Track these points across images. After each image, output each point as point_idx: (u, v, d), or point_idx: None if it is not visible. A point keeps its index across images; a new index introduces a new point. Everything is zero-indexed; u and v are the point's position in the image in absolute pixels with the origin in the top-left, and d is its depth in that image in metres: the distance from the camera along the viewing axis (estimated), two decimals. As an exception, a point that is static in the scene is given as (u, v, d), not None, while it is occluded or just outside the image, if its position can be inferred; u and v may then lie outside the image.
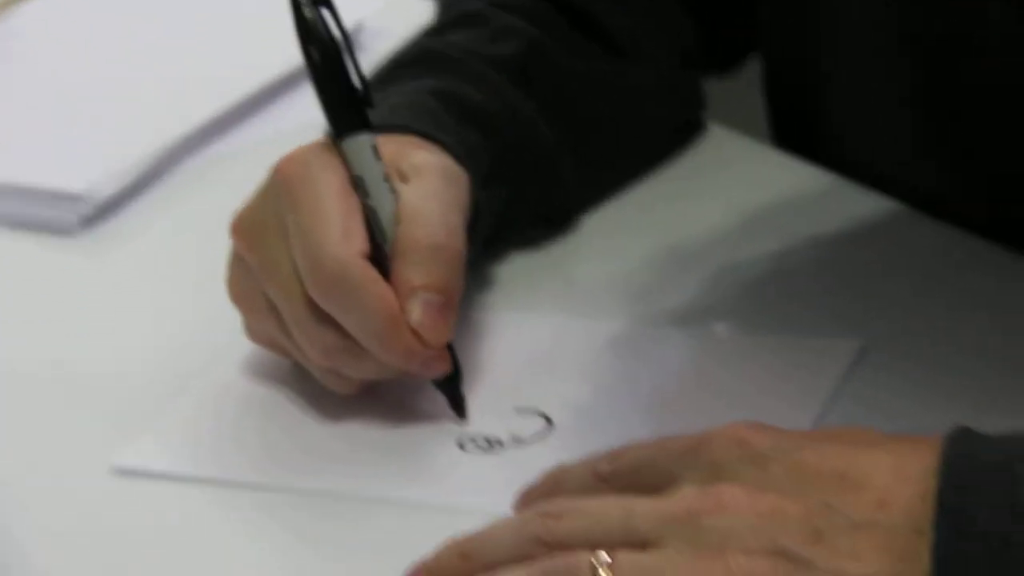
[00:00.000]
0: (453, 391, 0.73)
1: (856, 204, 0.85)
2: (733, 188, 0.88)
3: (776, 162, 0.90)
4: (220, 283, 0.77)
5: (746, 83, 0.97)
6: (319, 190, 0.72)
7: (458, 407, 0.73)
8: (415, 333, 0.71)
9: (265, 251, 0.73)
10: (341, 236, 0.71)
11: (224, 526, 0.69)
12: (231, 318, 0.77)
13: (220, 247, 0.77)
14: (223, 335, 0.78)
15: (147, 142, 0.94)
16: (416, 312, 0.71)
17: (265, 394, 0.76)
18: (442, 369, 0.72)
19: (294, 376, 0.76)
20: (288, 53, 1.04)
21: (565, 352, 0.78)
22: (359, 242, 0.71)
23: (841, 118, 0.90)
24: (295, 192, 0.72)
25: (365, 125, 0.72)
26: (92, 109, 1.00)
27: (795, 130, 0.94)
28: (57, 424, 0.75)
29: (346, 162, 0.72)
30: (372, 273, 0.70)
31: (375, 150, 0.72)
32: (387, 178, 0.72)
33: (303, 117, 0.93)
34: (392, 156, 0.74)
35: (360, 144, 0.72)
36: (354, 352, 0.71)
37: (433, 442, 0.72)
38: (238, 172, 0.91)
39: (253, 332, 0.76)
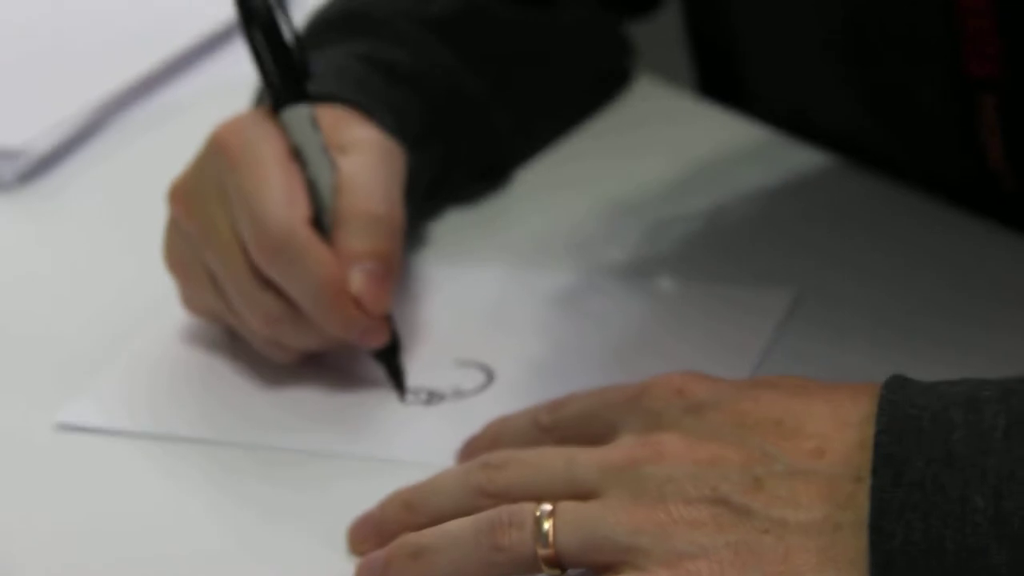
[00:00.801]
0: (391, 363, 0.73)
1: (785, 155, 0.86)
2: (665, 142, 0.89)
3: (705, 115, 0.91)
4: (158, 237, 0.77)
5: (674, 32, 0.97)
6: (261, 157, 0.72)
7: (397, 379, 0.73)
8: (356, 302, 0.71)
9: (205, 218, 0.73)
10: (285, 202, 0.71)
11: (166, 480, 0.69)
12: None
13: (157, 202, 0.77)
14: (162, 289, 0.78)
15: (83, 97, 0.95)
16: (357, 280, 0.71)
17: (205, 350, 0.76)
18: (381, 340, 0.72)
19: (234, 333, 0.76)
20: (224, 6, 1.04)
21: (506, 306, 0.78)
22: (303, 208, 0.71)
23: (763, 64, 0.91)
24: (236, 159, 0.72)
25: (304, 96, 0.73)
26: (28, 65, 1.00)
27: (719, 77, 0.95)
28: None
29: (286, 132, 0.73)
30: (316, 239, 0.71)
31: (313, 121, 0.72)
32: (325, 149, 0.72)
33: (240, 71, 0.93)
34: (328, 128, 0.74)
35: (299, 115, 0.72)
36: (295, 320, 0.72)
37: (374, 397, 0.72)
38: (175, 126, 0.95)
39: (190, 302, 0.76)
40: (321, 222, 0.72)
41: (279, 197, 0.71)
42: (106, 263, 0.84)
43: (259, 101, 0.81)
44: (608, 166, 0.88)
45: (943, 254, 0.77)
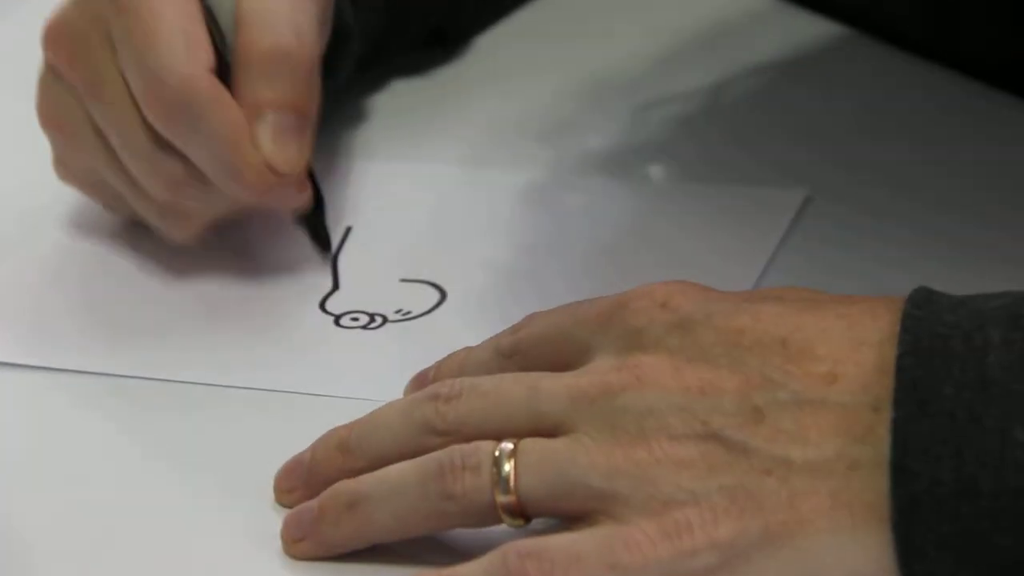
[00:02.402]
0: (315, 224, 0.73)
1: (796, 26, 0.85)
2: (652, 8, 0.87)
3: None
4: (28, 107, 0.76)
5: None
6: None
7: (322, 241, 0.73)
8: (265, 158, 0.70)
9: (89, 65, 0.71)
10: (184, 48, 0.69)
11: (58, 423, 0.69)
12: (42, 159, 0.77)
13: (30, 56, 0.76)
14: (55, 193, 0.78)
15: None
16: (265, 133, 0.70)
17: (91, 263, 0.76)
18: (300, 201, 0.72)
19: (125, 238, 0.76)
20: None
21: (464, 209, 0.77)
22: (204, 54, 0.70)
23: None
24: None
25: None
26: None
27: None
28: None
29: None
30: (221, 91, 0.70)
31: None
32: None
33: None
34: None
35: None
36: (200, 183, 0.71)
37: (305, 318, 0.72)
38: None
39: (68, 167, 0.75)
40: (223, 62, 0.71)
41: (176, 42, 0.70)
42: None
43: None
44: (588, 35, 0.87)
45: (979, 145, 0.76)
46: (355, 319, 0.71)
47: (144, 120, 0.70)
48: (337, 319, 0.71)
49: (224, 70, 0.70)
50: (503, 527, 0.58)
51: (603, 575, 0.56)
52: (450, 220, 0.77)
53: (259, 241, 0.74)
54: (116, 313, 0.73)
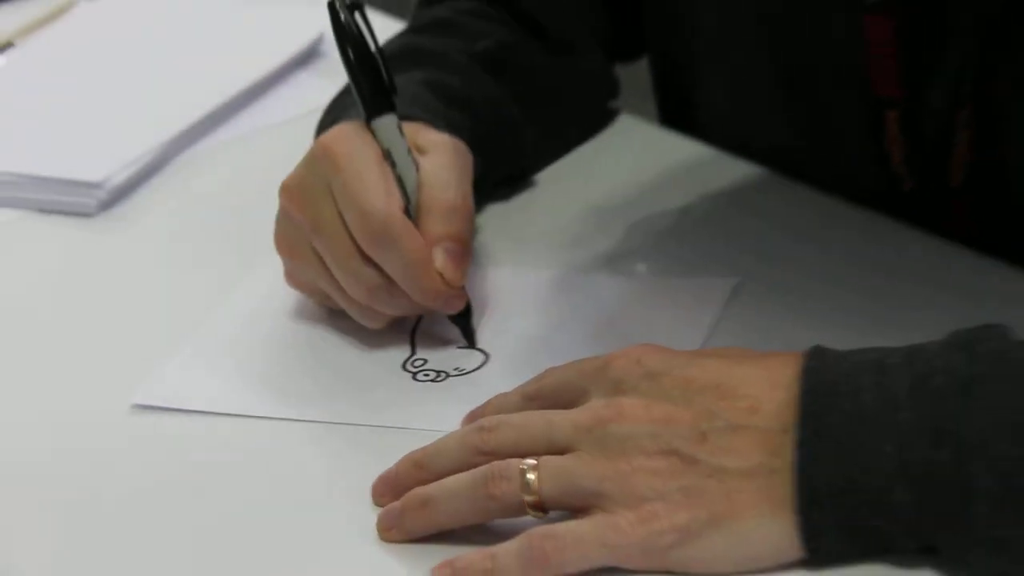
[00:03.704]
0: (466, 324, 0.75)
1: (731, 171, 0.86)
2: (638, 161, 0.89)
3: (668, 140, 0.91)
4: (220, 251, 0.79)
5: (644, 84, 0.99)
6: (361, 160, 0.73)
7: (469, 337, 0.75)
8: (439, 276, 0.72)
9: (314, 209, 0.73)
10: (384, 195, 0.72)
11: (221, 451, 0.70)
12: (228, 278, 0.79)
13: (216, 223, 0.79)
14: (216, 295, 0.79)
15: (152, 135, 0.94)
16: (440, 258, 0.72)
17: (257, 340, 0.77)
18: (459, 306, 0.74)
19: (283, 326, 0.77)
20: (269, 56, 1.05)
21: (504, 298, 0.78)
22: (397, 200, 0.72)
23: (714, 102, 0.91)
24: (340, 162, 0.73)
25: (391, 107, 0.74)
26: (107, 109, 0.99)
27: (679, 114, 0.95)
28: (82, 369, 0.76)
29: (377, 139, 0.74)
30: (409, 225, 0.72)
31: (400, 128, 0.74)
32: (410, 151, 0.74)
33: (283, 113, 0.94)
34: (410, 134, 0.75)
35: (388, 123, 0.74)
36: (391, 291, 0.73)
37: (393, 376, 0.73)
38: (231, 160, 0.93)
39: (294, 278, 0.77)
40: (408, 210, 0.73)
41: (379, 192, 0.72)
42: (170, 274, 0.84)
43: (327, 123, 0.82)
44: (593, 180, 0.89)
45: (855, 248, 0.78)
46: (427, 375, 0.73)
47: (354, 246, 0.72)
48: (414, 375, 0.73)
49: (408, 216, 0.73)
50: (528, 518, 0.60)
51: (597, 550, 0.58)
52: (495, 305, 0.78)
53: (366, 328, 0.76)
54: (266, 372, 0.75)
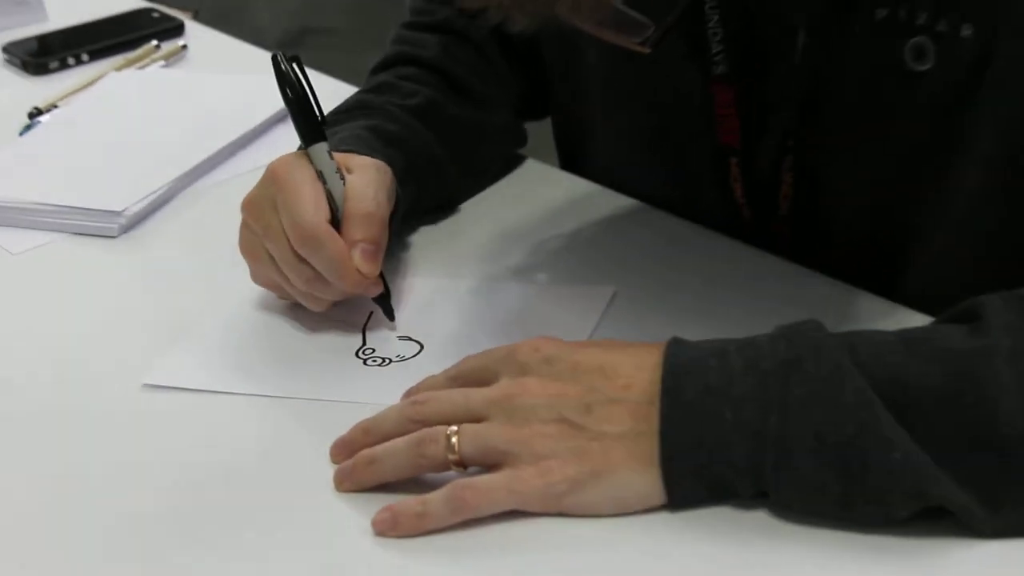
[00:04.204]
0: (386, 304, 0.75)
1: (612, 204, 0.86)
2: (540, 196, 0.89)
3: (564, 180, 0.91)
4: (216, 266, 0.78)
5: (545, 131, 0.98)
6: (297, 179, 0.73)
7: (389, 314, 0.75)
8: (357, 269, 0.72)
9: (264, 220, 0.74)
10: (313, 209, 0.72)
11: (212, 418, 0.69)
12: (222, 286, 0.79)
13: (216, 243, 0.78)
14: (216, 299, 0.79)
15: (163, 174, 0.93)
16: (357, 256, 0.72)
17: (244, 333, 0.76)
18: (375, 291, 0.74)
19: (259, 323, 0.76)
20: (254, 114, 1.05)
21: (435, 301, 0.78)
22: (324, 212, 0.72)
23: (597, 147, 0.91)
24: (282, 183, 0.73)
25: (322, 137, 0.73)
26: (128, 153, 0.97)
27: (572, 157, 0.95)
28: (104, 357, 0.75)
29: (312, 163, 0.73)
30: (332, 232, 0.72)
31: (329, 153, 0.74)
32: (338, 171, 0.74)
33: (264, 159, 0.91)
34: (342, 160, 0.75)
35: (319, 149, 0.73)
36: (323, 282, 0.73)
37: (348, 361, 0.72)
38: (224, 194, 0.92)
39: (257, 276, 0.77)
40: (335, 218, 0.73)
41: (308, 206, 0.72)
42: (176, 284, 0.83)
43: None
44: (503, 209, 0.88)
45: (706, 263, 0.78)
46: (374, 361, 0.72)
47: (292, 248, 0.72)
48: (364, 361, 0.73)
49: (335, 222, 0.72)
50: (452, 472, 0.61)
51: (506, 497, 0.59)
52: (429, 307, 0.77)
53: (329, 318, 0.75)
54: (256, 357, 0.74)
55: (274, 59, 0.73)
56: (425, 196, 0.84)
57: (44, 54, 1.10)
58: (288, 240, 0.72)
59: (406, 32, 0.92)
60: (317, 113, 0.74)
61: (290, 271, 0.73)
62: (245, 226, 0.76)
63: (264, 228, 0.74)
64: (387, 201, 0.76)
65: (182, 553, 0.59)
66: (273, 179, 0.74)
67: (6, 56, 1.11)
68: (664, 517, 0.58)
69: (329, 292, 0.74)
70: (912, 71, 0.67)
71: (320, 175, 0.73)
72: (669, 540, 0.57)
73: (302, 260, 0.72)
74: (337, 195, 0.73)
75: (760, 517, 0.58)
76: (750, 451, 0.56)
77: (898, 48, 0.67)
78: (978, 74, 0.65)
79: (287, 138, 0.84)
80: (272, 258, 0.74)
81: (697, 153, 0.79)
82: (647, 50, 0.61)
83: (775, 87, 0.74)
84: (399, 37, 0.92)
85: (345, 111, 0.85)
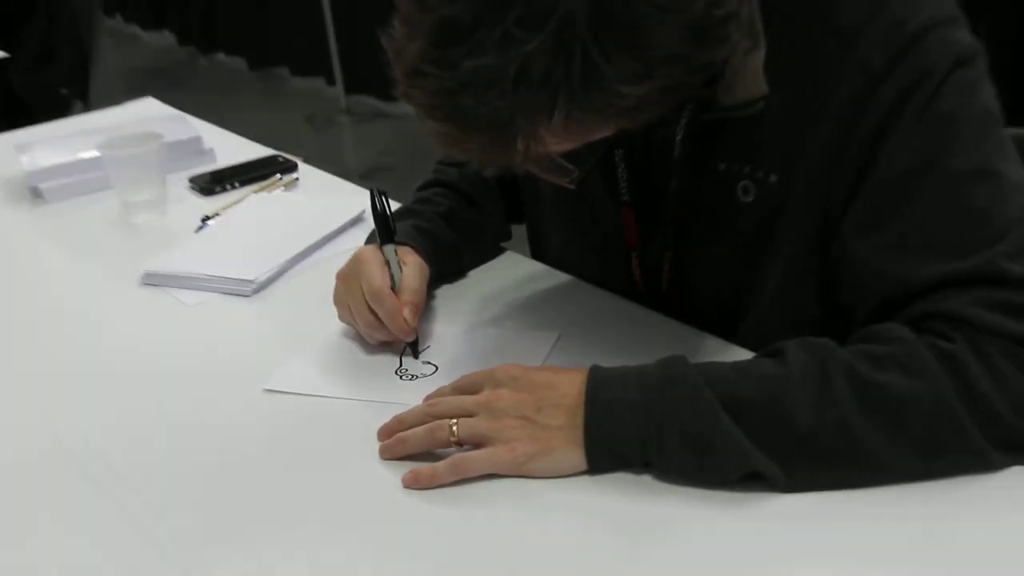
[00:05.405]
0: (414, 346, 0.73)
1: (558, 280, 0.82)
2: (513, 274, 0.84)
3: (530, 265, 0.86)
4: (312, 315, 0.76)
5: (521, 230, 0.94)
6: (373, 263, 0.73)
7: (415, 352, 0.73)
8: (404, 319, 0.71)
9: (350, 284, 0.74)
10: (380, 281, 0.72)
11: (314, 413, 0.67)
12: (322, 325, 0.76)
13: (311, 300, 0.77)
14: (317, 332, 0.76)
15: (278, 257, 0.90)
16: (406, 312, 0.71)
17: (337, 354, 0.74)
18: (412, 337, 0.72)
19: (342, 352, 0.74)
20: (335, 219, 1.03)
21: (444, 339, 0.75)
22: (387, 283, 0.72)
23: (549, 243, 0.86)
24: (364, 263, 0.73)
25: (392, 240, 0.74)
26: (258, 245, 0.93)
27: (537, 249, 0.90)
28: (239, 373, 0.72)
29: (383, 254, 0.73)
30: (392, 295, 0.72)
31: (395, 251, 0.74)
32: (399, 264, 0.74)
33: (342, 249, 0.92)
34: (401, 254, 0.75)
35: (389, 248, 0.74)
36: (380, 326, 0.72)
37: (390, 378, 0.70)
38: (318, 272, 0.89)
39: (341, 317, 0.76)
40: (394, 289, 0.73)
41: (379, 278, 0.72)
42: (288, 327, 0.81)
43: (368, 241, 0.80)
44: (489, 281, 0.83)
45: (615, 321, 0.75)
46: (407, 377, 0.70)
47: (366, 303, 0.71)
48: (400, 377, 0.71)
49: (395, 292, 0.71)
50: (452, 449, 0.61)
51: (488, 464, 0.59)
52: (440, 341, 0.74)
53: (380, 350, 0.73)
54: (349, 372, 0.71)
55: (371, 191, 0.75)
56: (446, 269, 0.83)
57: (212, 183, 1.11)
58: (364, 297, 0.72)
59: (438, 166, 0.90)
60: (392, 226, 0.75)
61: (361, 318, 0.73)
62: (338, 288, 0.76)
63: (349, 289, 0.74)
64: (425, 284, 0.76)
65: (308, 490, 0.59)
66: (359, 260, 0.74)
67: (190, 184, 1.12)
68: (586, 478, 0.58)
69: (383, 333, 0.73)
70: (742, 202, 0.66)
71: (387, 263, 0.74)
72: (591, 491, 0.58)
73: (371, 310, 0.72)
74: (396, 276, 0.74)
75: (648, 480, 0.58)
76: (641, 439, 0.57)
77: (732, 188, 0.66)
78: (782, 203, 0.65)
79: (356, 237, 0.83)
80: (351, 308, 0.74)
81: (611, 251, 0.78)
82: (573, 187, 0.62)
83: (660, 210, 0.73)
84: (434, 169, 0.90)
85: (399, 214, 0.84)
